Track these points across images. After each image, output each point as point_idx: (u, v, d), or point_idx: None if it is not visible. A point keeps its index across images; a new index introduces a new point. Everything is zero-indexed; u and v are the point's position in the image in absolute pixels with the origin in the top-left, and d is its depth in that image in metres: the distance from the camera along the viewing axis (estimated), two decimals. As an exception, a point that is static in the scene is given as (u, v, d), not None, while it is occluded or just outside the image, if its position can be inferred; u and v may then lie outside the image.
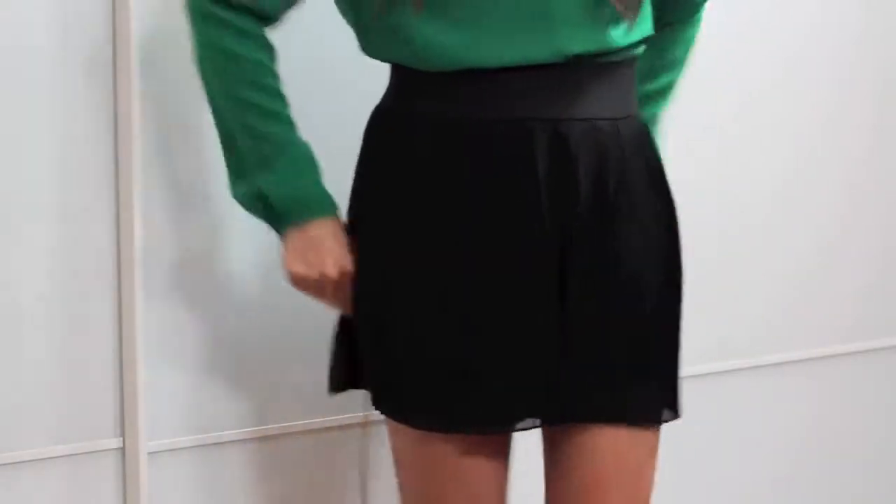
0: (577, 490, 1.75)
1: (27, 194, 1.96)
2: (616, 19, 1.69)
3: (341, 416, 2.23)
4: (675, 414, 1.79)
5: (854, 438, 2.96)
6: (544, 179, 1.68)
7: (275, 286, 2.18)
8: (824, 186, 2.86)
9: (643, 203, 1.74)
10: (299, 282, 1.79)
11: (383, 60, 1.77)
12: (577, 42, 1.67)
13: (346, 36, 1.84)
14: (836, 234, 2.89)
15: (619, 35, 1.70)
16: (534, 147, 1.67)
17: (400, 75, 1.76)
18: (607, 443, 1.73)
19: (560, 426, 1.75)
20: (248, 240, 2.15)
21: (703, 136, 2.61)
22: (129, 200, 2.01)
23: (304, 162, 1.77)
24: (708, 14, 2.01)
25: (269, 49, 1.77)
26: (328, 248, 1.75)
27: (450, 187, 1.69)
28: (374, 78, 1.82)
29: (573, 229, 1.69)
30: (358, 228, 1.79)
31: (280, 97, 1.77)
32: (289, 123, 1.76)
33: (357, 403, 1.96)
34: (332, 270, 1.75)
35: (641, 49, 1.77)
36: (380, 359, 1.75)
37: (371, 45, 1.77)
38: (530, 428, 1.74)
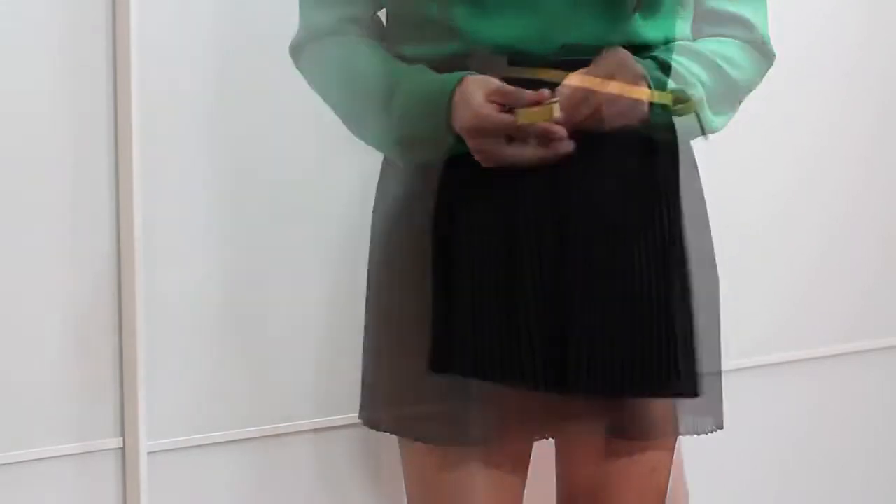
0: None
1: (28, 197, 1.96)
2: (615, 8, 1.63)
3: (341, 416, 2.23)
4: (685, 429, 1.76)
5: (854, 438, 2.96)
6: (530, 187, 1.64)
7: (275, 286, 2.18)
8: (825, 187, 2.86)
9: (639, 209, 1.69)
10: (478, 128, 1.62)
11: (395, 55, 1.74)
12: (570, 32, 1.63)
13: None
14: (836, 234, 2.89)
15: (616, 28, 1.64)
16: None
17: None
18: (609, 454, 1.72)
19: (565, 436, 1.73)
20: (249, 239, 2.16)
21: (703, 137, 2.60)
22: (130, 201, 2.01)
23: (414, 69, 1.69)
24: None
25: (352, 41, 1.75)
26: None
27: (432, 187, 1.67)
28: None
29: (566, 238, 1.65)
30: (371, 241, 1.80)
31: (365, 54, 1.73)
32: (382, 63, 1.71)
33: (357, 404, 1.95)
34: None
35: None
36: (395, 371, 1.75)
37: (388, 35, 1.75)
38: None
